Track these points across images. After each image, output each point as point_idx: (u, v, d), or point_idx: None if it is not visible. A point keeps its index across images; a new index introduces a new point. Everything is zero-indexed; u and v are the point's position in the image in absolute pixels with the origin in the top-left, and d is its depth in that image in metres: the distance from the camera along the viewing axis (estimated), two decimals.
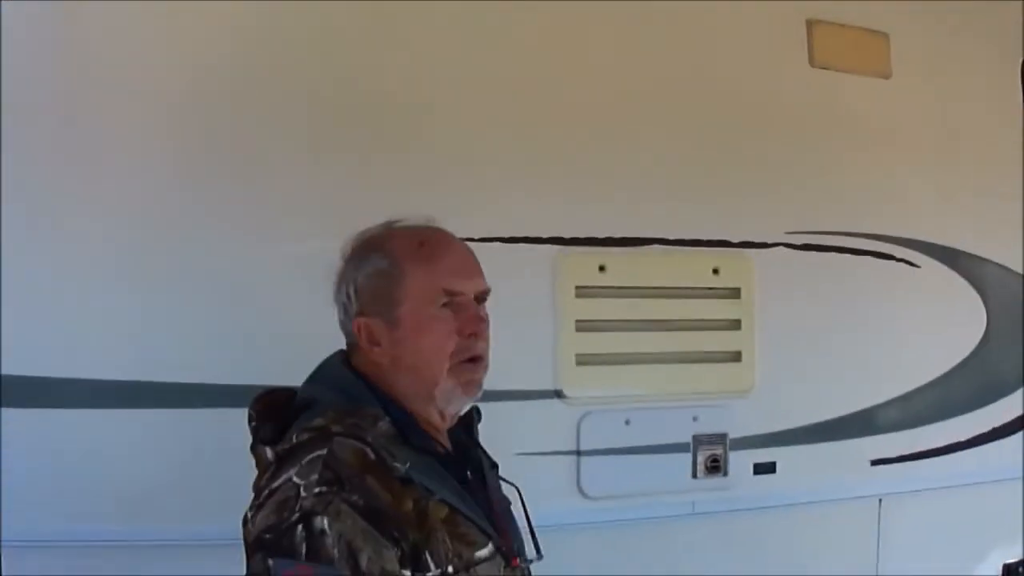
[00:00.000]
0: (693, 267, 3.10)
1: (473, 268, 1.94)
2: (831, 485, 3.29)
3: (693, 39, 3.17)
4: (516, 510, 2.04)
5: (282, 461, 1.79)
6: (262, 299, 2.67)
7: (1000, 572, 3.66)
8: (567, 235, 2.93)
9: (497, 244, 2.79)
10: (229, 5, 2.67)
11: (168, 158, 2.65)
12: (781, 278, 3.20)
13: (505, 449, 2.09)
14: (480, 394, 1.94)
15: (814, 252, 3.26)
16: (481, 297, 1.93)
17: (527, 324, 2.85)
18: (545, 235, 2.91)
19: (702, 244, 3.10)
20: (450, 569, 1.77)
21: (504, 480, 2.05)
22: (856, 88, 3.38)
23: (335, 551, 1.66)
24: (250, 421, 1.88)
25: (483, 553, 1.83)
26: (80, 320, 2.57)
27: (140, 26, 2.62)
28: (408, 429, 1.85)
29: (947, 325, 3.53)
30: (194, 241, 2.63)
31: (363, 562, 1.67)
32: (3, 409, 2.52)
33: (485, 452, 2.04)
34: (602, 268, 2.95)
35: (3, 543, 2.51)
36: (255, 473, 1.93)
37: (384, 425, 1.82)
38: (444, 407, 1.92)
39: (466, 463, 1.96)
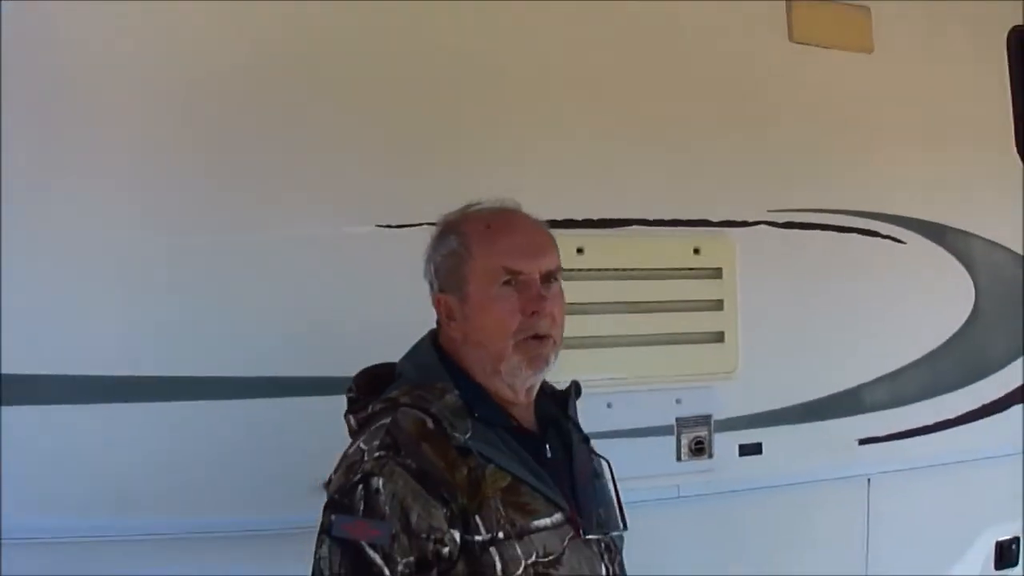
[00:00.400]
0: (673, 247, 3.07)
1: (538, 248, 2.04)
2: (819, 465, 3.26)
3: (671, 17, 3.12)
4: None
5: (360, 429, 1.99)
6: (253, 291, 2.69)
7: (992, 550, 3.63)
8: (544, 216, 2.80)
9: None
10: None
11: (172, 151, 2.64)
12: (763, 257, 3.17)
13: None
14: (547, 369, 2.03)
15: (797, 230, 3.23)
16: (549, 276, 2.03)
17: None
18: None
19: (682, 224, 3.07)
20: (500, 535, 1.89)
21: (596, 454, 2.15)
22: (837, 63, 3.34)
23: (387, 508, 1.84)
24: (348, 392, 2.08)
25: (543, 522, 1.94)
26: (75, 317, 2.57)
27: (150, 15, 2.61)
28: (474, 402, 1.99)
29: (934, 301, 3.51)
30: (186, 237, 2.64)
31: (413, 519, 1.84)
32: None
33: (578, 426, 2.14)
34: (580, 250, 2.90)
35: (3, 540, 2.51)
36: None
37: (451, 398, 1.97)
38: (511, 382, 2.01)
39: (547, 438, 2.06)
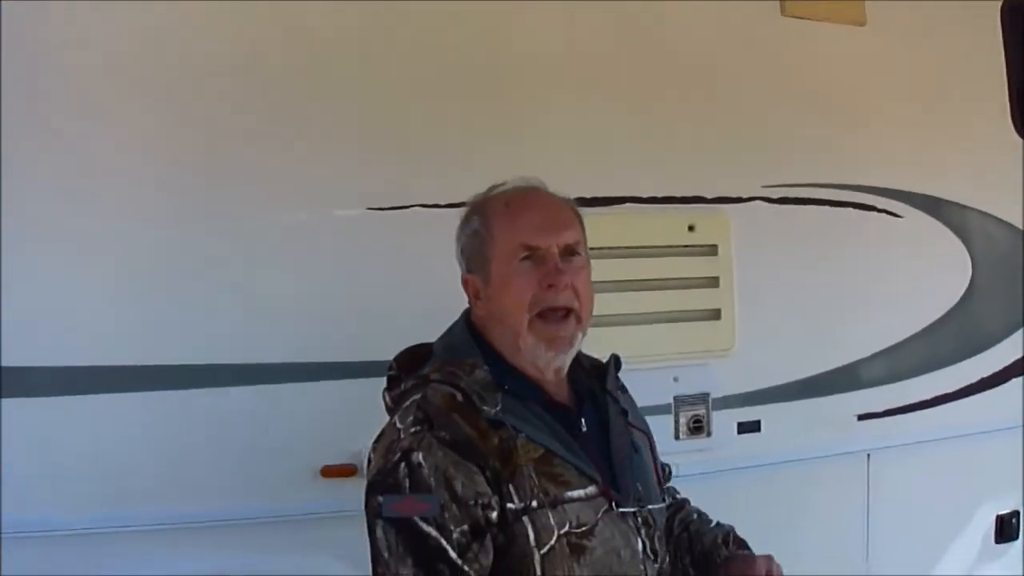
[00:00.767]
0: (667, 225, 3.05)
1: (556, 222, 2.04)
2: (818, 442, 3.25)
3: None
4: None
5: (395, 406, 2.02)
6: (249, 277, 2.69)
7: (993, 524, 3.62)
8: None
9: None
10: None
11: (170, 142, 2.64)
12: (759, 233, 3.15)
13: None
14: (570, 350, 2.04)
15: (792, 205, 3.21)
16: (569, 250, 2.03)
17: None
18: None
19: (676, 201, 3.05)
20: (534, 503, 1.92)
21: (635, 427, 2.16)
22: (830, 37, 3.31)
23: (432, 480, 1.88)
24: (388, 370, 2.10)
25: (576, 493, 1.96)
26: (78, 308, 2.57)
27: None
28: (503, 376, 2.01)
29: (932, 275, 3.50)
30: (186, 227, 2.64)
31: (458, 488, 1.88)
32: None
33: (616, 399, 2.14)
34: None
35: (3, 534, 2.50)
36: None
37: (481, 373, 2.00)
38: (533, 361, 2.03)
39: (582, 411, 2.08)
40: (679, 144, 3.06)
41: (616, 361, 2.22)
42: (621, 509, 2.00)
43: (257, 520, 2.66)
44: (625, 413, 2.15)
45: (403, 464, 1.90)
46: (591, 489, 1.97)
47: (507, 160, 2.80)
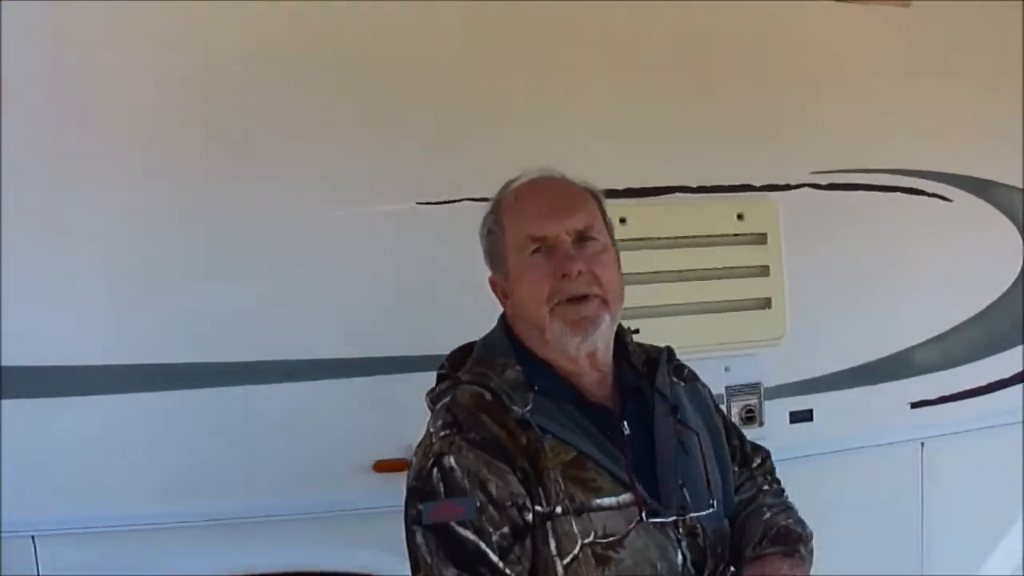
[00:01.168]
0: (716, 214, 3.02)
1: (562, 208, 1.97)
2: (871, 430, 3.22)
3: None
4: None
5: (432, 409, 1.99)
6: (300, 272, 2.70)
7: None
8: None
9: None
10: None
11: (207, 133, 2.65)
12: (808, 220, 3.11)
13: None
14: (596, 330, 1.94)
15: (841, 191, 3.17)
16: (582, 236, 1.96)
17: None
18: None
19: (724, 190, 3.02)
20: (558, 509, 1.86)
21: (686, 426, 2.03)
22: (876, 19, 3.25)
23: (466, 483, 1.84)
24: (439, 369, 2.08)
25: (607, 502, 1.88)
26: (119, 307, 2.60)
27: None
28: (535, 376, 1.95)
29: (983, 259, 3.43)
30: (239, 224, 2.66)
31: (493, 490, 1.83)
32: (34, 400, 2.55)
33: (665, 397, 2.03)
34: (623, 220, 2.80)
35: (36, 532, 2.55)
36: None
37: (512, 373, 1.96)
38: (563, 349, 1.95)
39: (625, 412, 1.98)
40: (727, 133, 3.03)
41: (669, 354, 2.13)
42: (654, 520, 1.90)
43: (310, 515, 2.68)
44: (675, 411, 2.03)
45: (436, 469, 1.86)
46: (625, 496, 1.89)
47: (556, 152, 2.75)
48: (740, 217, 3.04)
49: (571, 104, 2.88)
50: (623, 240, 2.80)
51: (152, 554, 2.64)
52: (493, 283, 2.05)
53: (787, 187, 3.09)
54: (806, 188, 3.12)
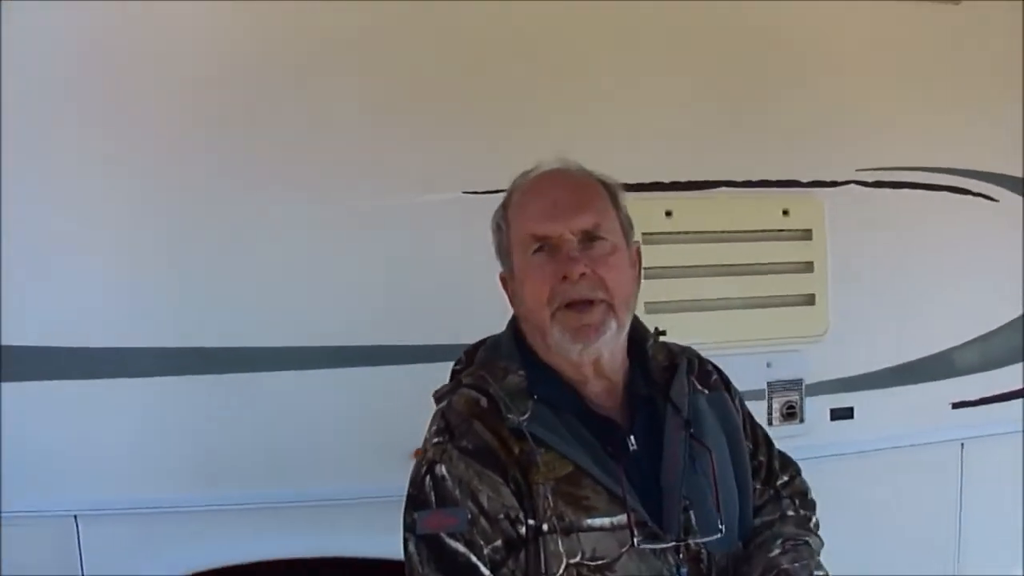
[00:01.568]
0: (762, 209, 3.01)
1: (567, 207, 1.85)
2: (911, 430, 3.20)
3: None
4: None
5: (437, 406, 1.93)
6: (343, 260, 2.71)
7: None
8: (632, 180, 2.78)
9: None
10: None
11: (250, 120, 2.67)
12: (853, 217, 3.09)
13: None
14: (600, 338, 1.84)
15: (887, 189, 3.15)
16: (588, 235, 1.85)
17: None
18: None
19: (770, 185, 3.00)
20: (544, 527, 1.77)
21: (698, 441, 1.89)
22: (926, 17, 3.23)
23: (457, 493, 1.77)
24: (455, 364, 2.02)
25: (600, 522, 1.78)
26: (169, 291, 2.64)
27: None
28: (537, 383, 1.86)
29: None
30: (288, 213, 2.68)
31: (484, 501, 1.76)
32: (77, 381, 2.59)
33: (678, 409, 1.90)
34: (668, 213, 2.87)
35: (78, 512, 2.60)
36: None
37: (514, 378, 1.87)
38: (565, 356, 1.86)
39: (634, 426, 1.88)
40: (774, 128, 3.02)
41: (689, 363, 1.99)
42: (647, 546, 1.78)
43: (347, 501, 2.69)
44: (688, 425, 1.90)
45: (428, 477, 1.80)
46: (620, 518, 1.77)
47: (602, 144, 2.77)
48: (785, 213, 3.02)
49: (620, 97, 2.88)
50: (668, 233, 2.89)
51: (192, 537, 2.68)
52: (503, 280, 1.96)
53: (833, 184, 3.08)
54: (852, 185, 3.10)
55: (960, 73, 3.29)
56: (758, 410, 2.94)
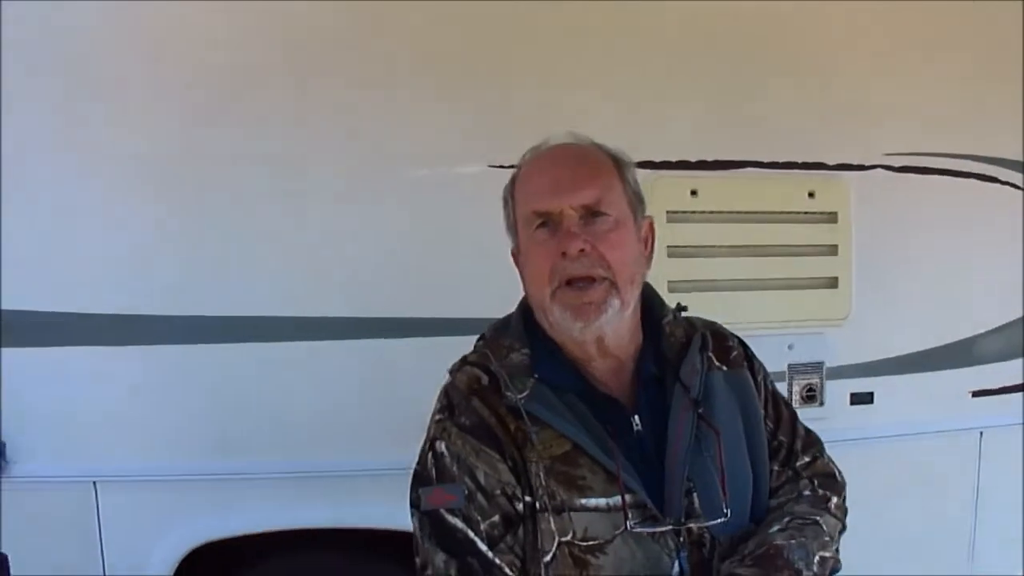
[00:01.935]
0: (788, 190, 2.99)
1: (568, 182, 1.81)
2: (931, 417, 3.18)
3: None
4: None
5: None
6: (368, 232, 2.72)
7: None
8: (658, 159, 2.84)
9: None
10: None
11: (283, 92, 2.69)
12: (879, 202, 3.07)
13: None
14: (602, 316, 1.81)
15: (913, 174, 3.12)
16: (589, 211, 1.81)
17: None
18: (636, 159, 2.78)
19: (797, 167, 2.99)
20: (537, 505, 1.77)
21: (705, 422, 1.85)
22: (959, 3, 3.18)
23: (455, 469, 1.78)
24: (478, 340, 1.99)
25: (594, 503, 1.77)
26: (187, 260, 2.67)
27: None
28: (540, 361, 1.84)
29: None
30: (312, 184, 2.70)
31: (481, 478, 1.77)
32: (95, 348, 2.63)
33: (687, 388, 1.86)
34: (694, 192, 2.86)
35: (97, 479, 2.64)
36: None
37: (517, 356, 1.85)
38: (568, 334, 1.84)
39: (638, 406, 1.85)
40: (801, 110, 3.00)
41: (703, 341, 1.93)
42: (641, 529, 1.76)
43: (362, 472, 2.71)
44: (696, 404, 1.85)
45: (430, 454, 1.82)
46: (616, 499, 1.76)
47: (630, 119, 2.80)
48: (811, 195, 3.00)
49: (648, 74, 2.87)
50: (692, 212, 2.87)
51: (209, 505, 2.71)
52: (514, 256, 1.94)
53: (860, 167, 3.05)
54: (879, 169, 3.08)
55: (992, 62, 3.25)
56: None
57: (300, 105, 2.68)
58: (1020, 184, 3.28)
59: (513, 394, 1.80)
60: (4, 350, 2.59)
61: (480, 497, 1.77)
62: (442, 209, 2.74)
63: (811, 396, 3.00)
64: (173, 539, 2.70)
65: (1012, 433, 3.30)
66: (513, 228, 1.90)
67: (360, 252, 2.72)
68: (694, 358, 1.90)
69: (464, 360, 1.91)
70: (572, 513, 1.76)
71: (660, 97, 2.86)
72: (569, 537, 1.76)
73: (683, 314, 2.03)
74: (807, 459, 2.03)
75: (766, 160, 2.96)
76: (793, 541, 1.82)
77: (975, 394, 3.25)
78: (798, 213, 3.01)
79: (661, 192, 2.82)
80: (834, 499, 1.99)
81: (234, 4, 2.65)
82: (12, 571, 2.57)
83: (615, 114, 2.76)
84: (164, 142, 2.63)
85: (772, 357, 2.89)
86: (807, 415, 2.92)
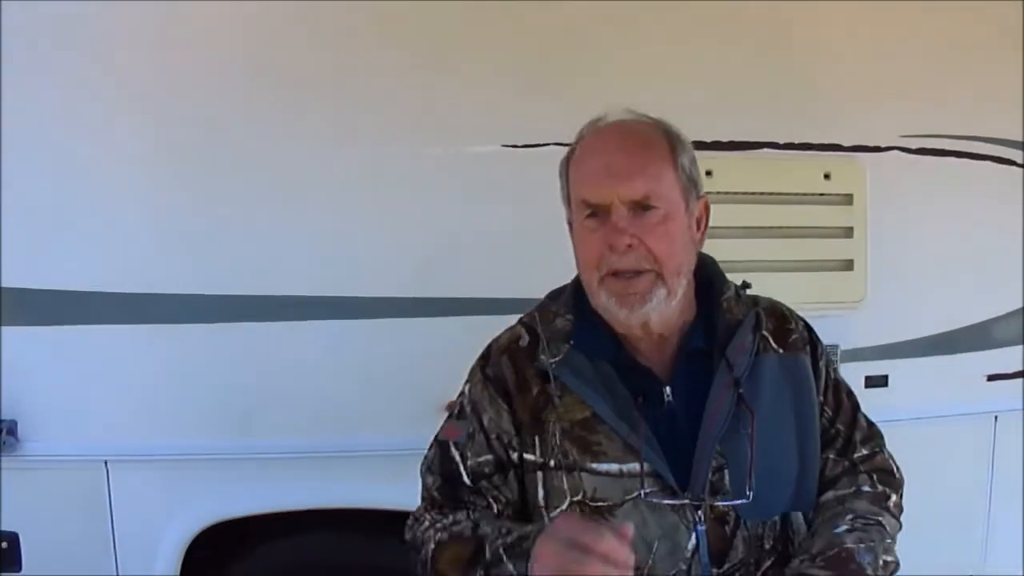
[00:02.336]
0: (803, 172, 2.96)
1: (617, 173, 1.82)
2: (945, 401, 3.16)
3: None
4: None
5: None
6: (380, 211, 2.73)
7: None
8: None
9: None
10: None
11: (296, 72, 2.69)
12: (895, 184, 3.04)
13: None
14: (647, 305, 1.84)
15: (930, 156, 3.09)
16: (639, 205, 1.82)
17: None
18: None
19: (813, 148, 2.96)
20: (551, 463, 1.86)
21: (744, 401, 1.85)
22: None
23: (468, 409, 1.96)
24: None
25: (605, 468, 1.83)
26: (223, 241, 2.68)
27: None
28: (580, 330, 1.91)
29: None
30: (322, 162, 2.70)
31: (485, 420, 1.92)
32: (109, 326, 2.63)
33: (731, 366, 1.87)
34: (709, 173, 2.79)
35: (109, 457, 2.65)
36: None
37: (561, 322, 1.94)
38: (613, 318, 1.88)
39: (675, 379, 1.88)
40: (818, 90, 2.98)
41: (758, 319, 1.94)
42: (656, 500, 1.80)
43: (379, 452, 2.71)
44: (737, 384, 1.86)
45: (460, 393, 2.00)
46: (632, 466, 1.80)
47: (644, 100, 2.74)
48: (827, 177, 2.98)
49: (663, 53, 2.85)
50: (710, 193, 2.79)
51: (221, 485, 2.72)
52: (569, 225, 1.96)
53: (876, 149, 3.03)
54: (896, 151, 3.05)
55: (1007, 37, 3.22)
56: None
57: (316, 85, 2.68)
58: None
59: (546, 358, 1.89)
60: (15, 328, 2.59)
61: (480, 436, 1.92)
62: (456, 188, 2.74)
63: None
64: (185, 519, 2.71)
65: None
66: (568, 202, 1.94)
67: (377, 231, 2.72)
68: (744, 337, 1.91)
69: (520, 320, 2.02)
70: (583, 474, 1.84)
71: (676, 76, 2.84)
72: (580, 496, 1.84)
73: (748, 292, 2.06)
74: (865, 452, 2.03)
75: (782, 141, 2.94)
76: (862, 545, 1.83)
77: (990, 378, 3.23)
78: (813, 195, 2.98)
79: None
80: (893, 497, 2.00)
81: None
82: (23, 549, 2.58)
83: (631, 92, 2.68)
84: (191, 108, 2.63)
85: None
86: None
